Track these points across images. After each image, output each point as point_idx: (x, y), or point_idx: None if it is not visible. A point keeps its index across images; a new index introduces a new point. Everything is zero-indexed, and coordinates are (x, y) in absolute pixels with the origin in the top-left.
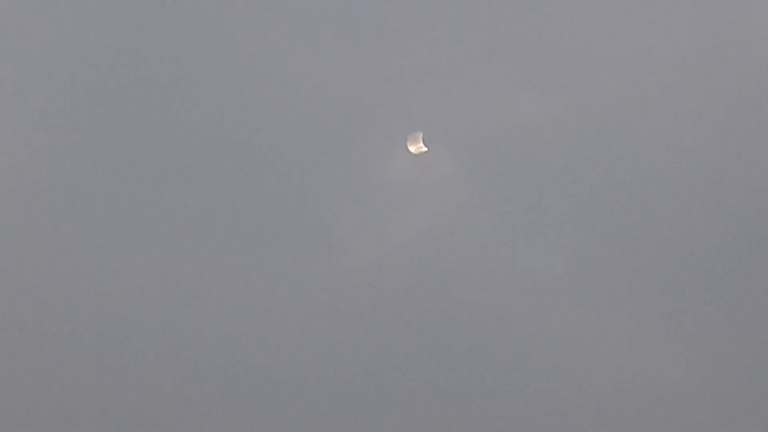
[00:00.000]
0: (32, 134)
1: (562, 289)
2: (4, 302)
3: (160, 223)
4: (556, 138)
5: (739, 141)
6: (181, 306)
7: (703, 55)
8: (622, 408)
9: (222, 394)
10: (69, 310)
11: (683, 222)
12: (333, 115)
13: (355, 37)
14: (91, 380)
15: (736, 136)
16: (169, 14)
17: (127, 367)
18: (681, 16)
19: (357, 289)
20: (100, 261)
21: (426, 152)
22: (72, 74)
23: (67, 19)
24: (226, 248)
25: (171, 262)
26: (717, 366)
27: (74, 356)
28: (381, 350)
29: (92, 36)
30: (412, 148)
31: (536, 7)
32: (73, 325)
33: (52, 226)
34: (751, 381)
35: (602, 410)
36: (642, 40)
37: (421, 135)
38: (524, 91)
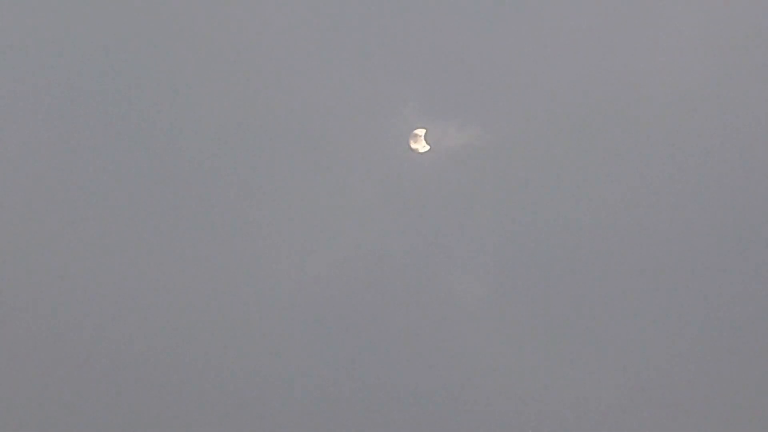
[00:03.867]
0: (25, 132)
1: (483, 312)
2: (4, 301)
3: (149, 221)
4: (483, 165)
5: (664, 173)
6: (170, 302)
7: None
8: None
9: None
10: (65, 307)
11: (606, 248)
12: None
13: (355, 39)
14: (83, 377)
15: (660, 167)
16: (170, 14)
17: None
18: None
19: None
20: (83, 251)
21: (427, 151)
22: (67, 72)
23: (63, 17)
24: (218, 245)
25: (161, 256)
26: (642, 389)
27: (66, 354)
28: (307, 364)
29: (88, 34)
30: (415, 146)
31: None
32: (67, 323)
33: (47, 225)
34: (673, 400)
35: None
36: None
37: (423, 132)
38: (454, 117)
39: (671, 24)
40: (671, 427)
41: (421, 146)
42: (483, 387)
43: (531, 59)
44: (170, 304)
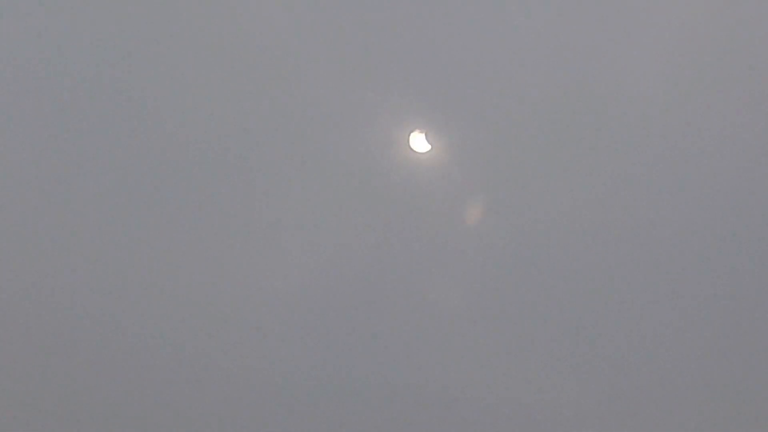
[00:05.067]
0: (21, 132)
1: (459, 322)
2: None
3: (150, 218)
4: (463, 171)
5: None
6: (171, 299)
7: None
8: None
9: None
10: (64, 306)
11: (589, 254)
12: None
13: (357, 31)
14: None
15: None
16: (165, 7)
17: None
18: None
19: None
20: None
21: (429, 150)
22: (62, 69)
23: (57, 13)
24: (218, 244)
25: (158, 252)
26: (624, 398)
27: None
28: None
29: (82, 30)
30: (416, 146)
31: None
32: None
33: (45, 224)
34: (654, 408)
35: None
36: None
37: (424, 133)
38: (429, 125)
39: (650, 28)
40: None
41: (421, 146)
42: (461, 394)
43: (511, 69)
44: (146, 304)
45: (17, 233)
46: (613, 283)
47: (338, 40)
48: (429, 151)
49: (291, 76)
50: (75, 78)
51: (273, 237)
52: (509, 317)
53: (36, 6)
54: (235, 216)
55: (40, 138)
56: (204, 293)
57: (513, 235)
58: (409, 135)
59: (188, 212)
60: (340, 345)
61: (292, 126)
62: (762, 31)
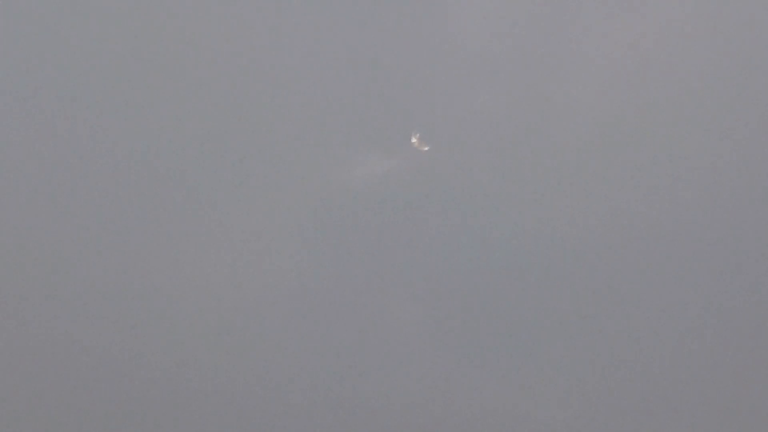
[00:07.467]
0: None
1: (419, 338)
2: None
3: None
4: (413, 189)
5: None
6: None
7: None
8: None
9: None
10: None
11: (543, 272)
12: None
13: (354, 30)
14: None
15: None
16: (166, 11)
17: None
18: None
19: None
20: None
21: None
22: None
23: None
24: (217, 244)
25: (160, 251)
26: (583, 413)
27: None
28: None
29: (82, 27)
30: (415, 144)
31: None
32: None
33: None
34: (632, 422)
35: None
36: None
37: (418, 134)
38: (378, 144)
39: (591, 48)
40: None
41: (421, 145)
42: (417, 412)
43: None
44: (94, 323)
45: (13, 230)
46: (592, 294)
47: (326, 40)
48: (415, 155)
49: (280, 75)
50: (48, 81)
51: (202, 256)
52: (500, 323)
53: (24, 10)
54: (221, 216)
55: (26, 141)
56: (142, 308)
57: (448, 259)
58: (340, 159)
59: (122, 225)
60: (327, 352)
61: (272, 124)
62: (724, 38)
